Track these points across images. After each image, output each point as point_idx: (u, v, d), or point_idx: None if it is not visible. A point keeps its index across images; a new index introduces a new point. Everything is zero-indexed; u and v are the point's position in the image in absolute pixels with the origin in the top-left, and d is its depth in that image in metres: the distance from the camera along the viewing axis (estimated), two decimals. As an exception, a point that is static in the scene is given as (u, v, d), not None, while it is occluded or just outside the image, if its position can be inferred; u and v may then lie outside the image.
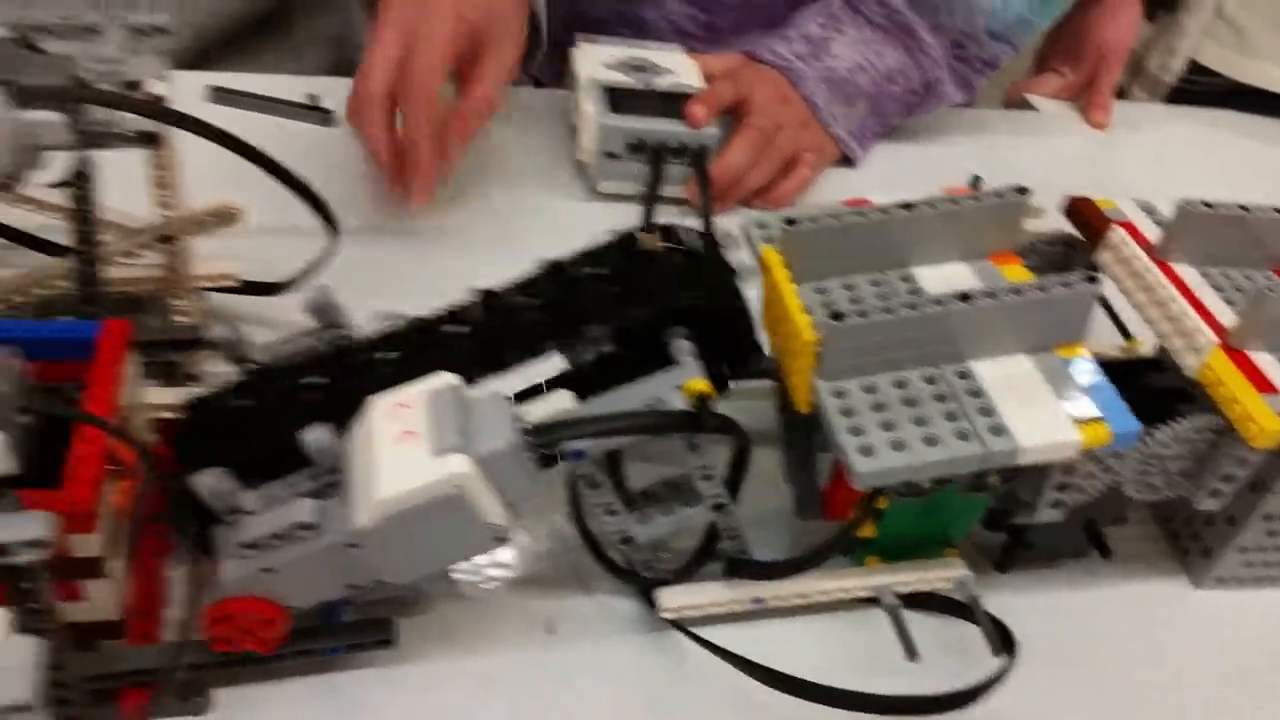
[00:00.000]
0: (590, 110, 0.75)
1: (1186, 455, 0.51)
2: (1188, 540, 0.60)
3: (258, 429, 0.45)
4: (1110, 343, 0.66)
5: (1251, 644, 0.57)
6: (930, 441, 0.44)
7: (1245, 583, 0.59)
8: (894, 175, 0.88)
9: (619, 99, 0.77)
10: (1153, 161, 1.00)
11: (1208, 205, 0.55)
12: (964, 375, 0.47)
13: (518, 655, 0.50)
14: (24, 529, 0.33)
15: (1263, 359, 0.51)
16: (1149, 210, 0.60)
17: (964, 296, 0.46)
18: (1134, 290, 0.55)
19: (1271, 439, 0.48)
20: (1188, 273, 0.56)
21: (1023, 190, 0.51)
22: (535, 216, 0.77)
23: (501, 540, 0.40)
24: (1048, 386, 0.47)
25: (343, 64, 0.99)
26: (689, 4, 0.93)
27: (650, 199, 0.76)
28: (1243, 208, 0.55)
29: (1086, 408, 0.46)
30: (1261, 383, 0.50)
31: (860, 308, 0.45)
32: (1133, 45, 1.11)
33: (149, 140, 0.48)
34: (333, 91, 0.81)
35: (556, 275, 0.50)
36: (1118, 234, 0.56)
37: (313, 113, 0.76)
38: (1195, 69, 1.19)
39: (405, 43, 0.65)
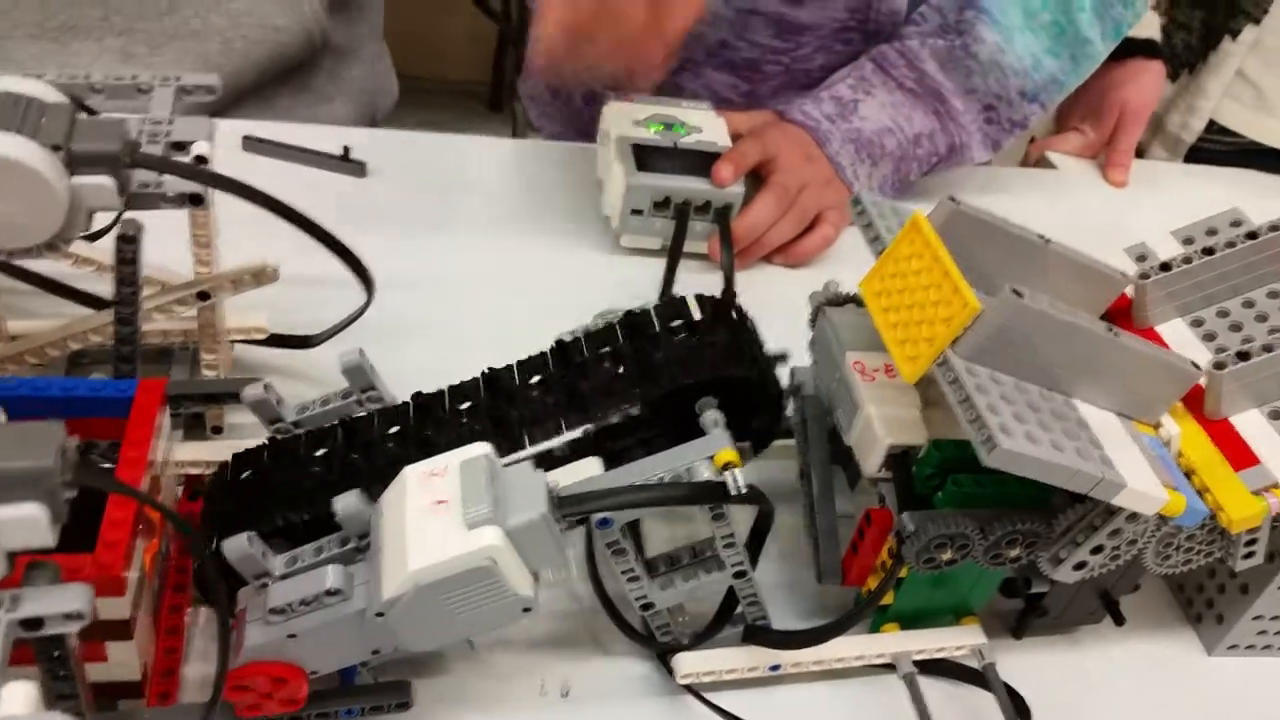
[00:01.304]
0: (618, 169, 0.77)
1: (1198, 537, 0.51)
2: (1201, 607, 0.60)
3: (289, 493, 0.46)
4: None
5: (1263, 712, 0.58)
6: (1057, 447, 0.43)
7: (1258, 650, 0.60)
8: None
9: (646, 156, 0.78)
10: (1170, 220, 0.99)
11: (1165, 266, 0.55)
12: (1071, 406, 0.47)
13: (531, 717, 0.50)
14: (62, 601, 0.33)
15: (1246, 421, 0.50)
16: (1142, 257, 0.59)
17: (1112, 330, 0.45)
18: None
19: (1250, 523, 0.48)
20: (1170, 330, 0.55)
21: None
22: (559, 269, 0.78)
23: (528, 610, 0.41)
24: (1136, 447, 0.46)
25: (365, 114, 1.00)
26: (731, 74, 0.94)
27: (674, 255, 0.76)
28: (1206, 250, 0.55)
29: (1168, 476, 0.46)
30: (1239, 456, 0.49)
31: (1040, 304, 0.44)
32: (1155, 107, 1.12)
33: (194, 202, 0.49)
34: (364, 143, 0.82)
35: (632, 333, 0.51)
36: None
37: (346, 163, 0.78)
38: (1215, 128, 1.20)
39: None
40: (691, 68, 0.95)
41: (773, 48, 0.91)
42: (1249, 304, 0.54)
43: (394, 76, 1.06)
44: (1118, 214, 1.01)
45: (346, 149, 0.79)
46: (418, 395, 0.50)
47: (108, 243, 0.52)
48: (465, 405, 0.48)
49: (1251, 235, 0.53)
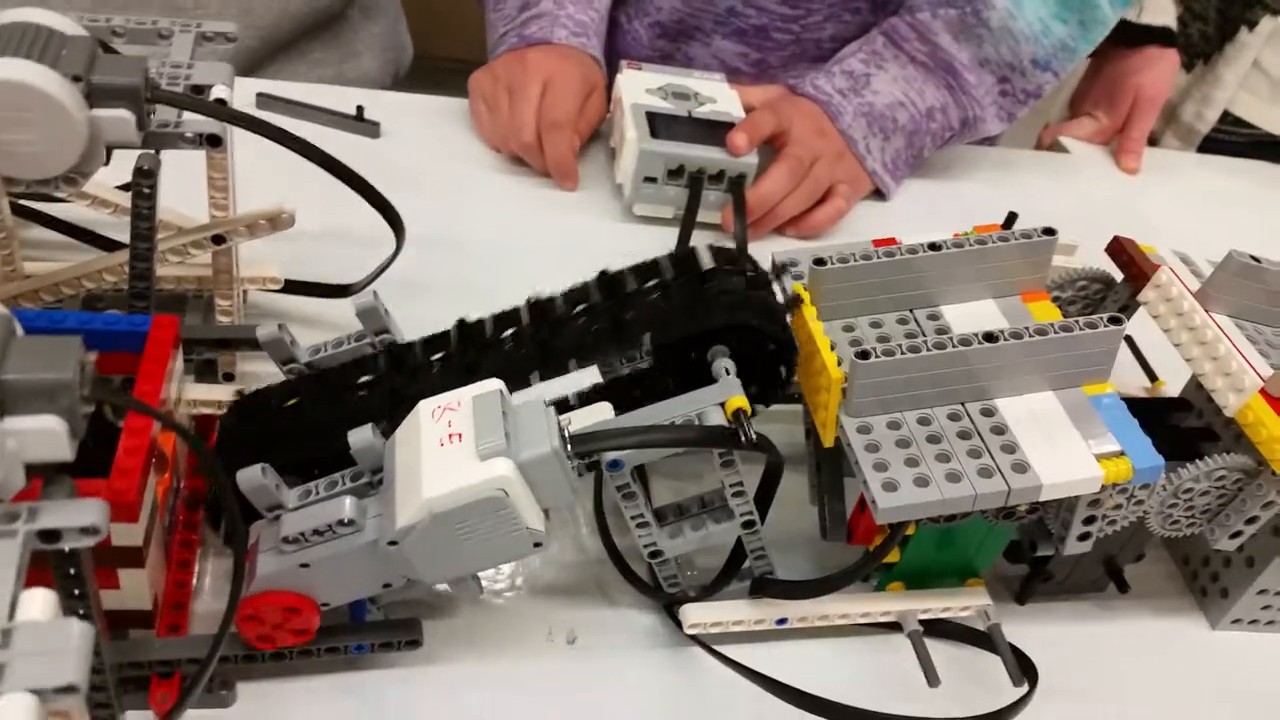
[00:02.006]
0: (632, 135, 0.77)
1: (1213, 493, 0.52)
2: (1206, 580, 0.60)
3: (303, 428, 0.46)
4: (1137, 384, 0.67)
5: (1266, 687, 0.58)
6: (953, 478, 0.45)
7: (1262, 625, 0.60)
8: (926, 213, 0.89)
9: (660, 124, 0.78)
10: (1181, 208, 1.00)
11: (1255, 259, 0.56)
12: (988, 413, 0.48)
13: (538, 663, 0.51)
14: (78, 515, 0.33)
15: None
16: (1186, 260, 0.61)
17: (989, 336, 0.46)
18: (1177, 329, 0.56)
19: None
20: (1224, 321, 0.57)
21: (1050, 231, 0.52)
22: (570, 235, 0.78)
23: (539, 545, 0.41)
24: (1071, 423, 0.47)
25: (390, 70, 1.03)
26: (740, 42, 0.95)
27: (688, 223, 0.77)
28: None
29: (1109, 443, 0.46)
30: None
31: (887, 345, 0.46)
32: (1169, 95, 1.12)
33: (213, 142, 0.49)
34: (379, 104, 0.83)
35: (610, 286, 0.50)
36: (1165, 274, 0.57)
37: (360, 123, 0.78)
38: (1229, 119, 1.20)
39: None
40: (701, 37, 0.95)
41: (782, 15, 0.92)
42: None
43: (409, 37, 1.10)
44: (1129, 200, 1.01)
45: (360, 109, 0.79)
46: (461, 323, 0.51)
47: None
48: (509, 332, 0.49)
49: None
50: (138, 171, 0.48)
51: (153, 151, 0.48)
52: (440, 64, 1.20)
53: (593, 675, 0.51)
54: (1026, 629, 0.55)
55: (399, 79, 1.06)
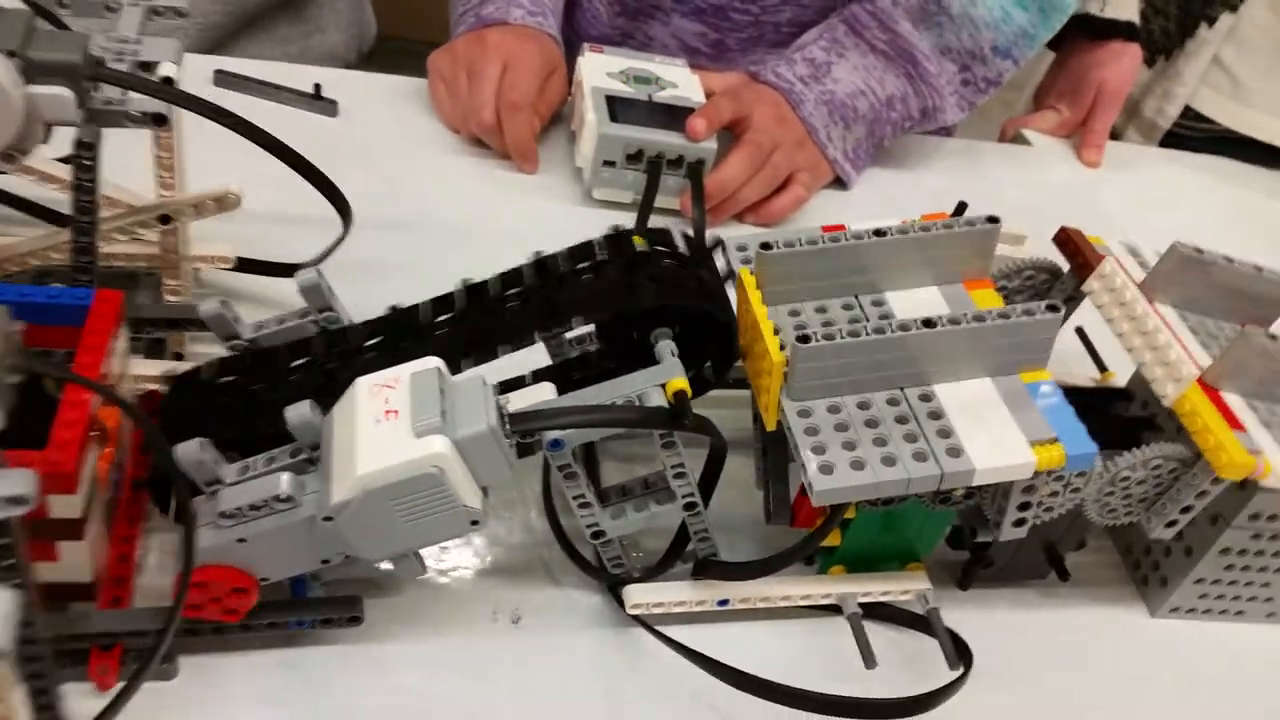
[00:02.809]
0: (591, 118, 0.77)
1: (1149, 482, 0.52)
2: (1147, 569, 0.61)
3: (242, 404, 0.47)
4: (1086, 374, 0.67)
5: (1200, 672, 0.59)
6: (888, 461, 0.46)
7: (1199, 614, 0.61)
8: (885, 201, 0.90)
9: (620, 108, 0.78)
10: (1141, 202, 1.02)
11: (1198, 251, 0.56)
12: (926, 398, 0.48)
13: (481, 641, 0.51)
14: (6, 485, 0.33)
15: (1233, 400, 0.53)
16: (1134, 252, 0.61)
17: (928, 322, 0.47)
18: (1119, 319, 0.57)
19: (1239, 471, 0.50)
20: (1167, 312, 0.58)
21: (994, 219, 0.53)
22: (528, 218, 0.78)
23: (475, 524, 0.41)
24: (1007, 409, 0.48)
25: (354, 45, 1.04)
26: (698, 21, 0.95)
27: (646, 207, 0.77)
28: (1227, 258, 0.57)
29: (1043, 430, 0.47)
30: (1232, 420, 0.52)
31: (828, 330, 0.47)
32: (1131, 90, 1.13)
33: (157, 121, 0.49)
34: (336, 82, 0.82)
35: (543, 269, 0.51)
36: (1110, 264, 0.58)
37: (318, 102, 0.78)
38: (1190, 114, 1.22)
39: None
40: (660, 15, 0.96)
41: None
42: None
43: (373, 15, 1.11)
44: (1091, 193, 1.02)
45: (318, 86, 0.79)
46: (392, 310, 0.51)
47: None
48: (379, 339, 0.49)
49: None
50: (78, 144, 0.47)
51: (94, 126, 0.48)
52: (403, 45, 1.20)
53: (536, 655, 0.51)
54: (967, 614, 0.56)
55: (363, 56, 1.07)
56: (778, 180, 0.82)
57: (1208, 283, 0.58)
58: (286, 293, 0.64)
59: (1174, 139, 1.22)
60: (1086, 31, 1.09)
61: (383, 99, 0.86)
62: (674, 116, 0.78)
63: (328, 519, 0.40)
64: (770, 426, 0.50)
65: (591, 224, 0.78)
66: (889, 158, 0.93)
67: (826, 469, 0.45)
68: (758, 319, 0.49)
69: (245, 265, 0.62)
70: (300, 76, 0.82)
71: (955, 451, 0.46)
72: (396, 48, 1.16)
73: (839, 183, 0.89)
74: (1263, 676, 0.60)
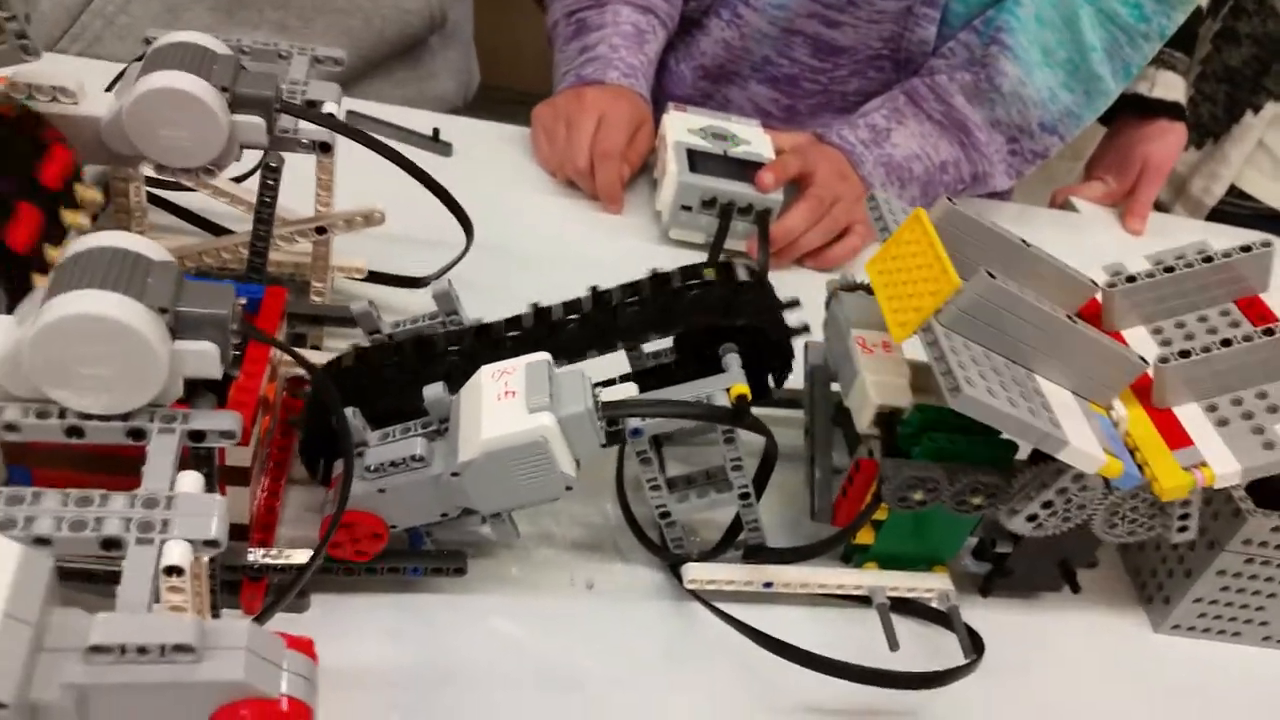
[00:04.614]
0: (673, 168, 0.87)
1: (1144, 506, 0.59)
2: (1152, 589, 0.68)
3: (384, 384, 0.56)
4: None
5: (1194, 684, 0.66)
6: (1013, 403, 0.51)
7: (1199, 633, 0.68)
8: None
9: (698, 160, 0.88)
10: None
11: (1130, 279, 0.63)
12: (1031, 379, 0.55)
13: (559, 602, 0.60)
14: (221, 421, 0.43)
15: (1186, 412, 0.58)
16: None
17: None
18: None
19: (1177, 492, 0.55)
20: (1135, 333, 0.63)
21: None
22: (612, 253, 0.88)
23: (569, 489, 0.50)
24: (1085, 420, 0.55)
25: (461, 92, 1.16)
26: (773, 89, 1.06)
27: (717, 248, 0.86)
28: (1168, 269, 0.63)
29: (1111, 446, 0.54)
30: (1176, 438, 0.56)
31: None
32: (1175, 164, 1.20)
33: (324, 149, 0.59)
34: (449, 126, 0.93)
35: (658, 281, 0.60)
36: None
37: (435, 144, 0.88)
38: (1235, 192, 1.29)
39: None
40: (739, 81, 1.06)
41: (811, 66, 1.03)
42: (1203, 318, 0.63)
43: (478, 65, 1.22)
44: (1131, 258, 1.09)
45: (436, 130, 0.89)
46: (535, 308, 0.61)
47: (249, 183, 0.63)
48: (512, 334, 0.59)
49: (1207, 259, 0.62)
50: (266, 167, 0.58)
51: (277, 152, 0.58)
52: (498, 93, 1.31)
53: (605, 617, 0.60)
54: (985, 616, 0.64)
55: (467, 102, 1.18)
56: (836, 230, 0.91)
57: (1162, 294, 0.63)
58: (399, 302, 0.74)
59: (1219, 215, 1.29)
60: (1135, 109, 1.16)
61: (489, 142, 0.97)
62: (746, 170, 0.88)
63: (455, 474, 0.49)
64: (903, 338, 0.55)
65: (666, 260, 0.88)
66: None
67: (970, 382, 0.50)
68: (935, 245, 0.54)
69: (373, 276, 0.72)
70: (413, 118, 0.93)
71: (1056, 424, 0.52)
72: (494, 98, 1.27)
73: (894, 237, 0.97)
74: (1256, 696, 0.66)
